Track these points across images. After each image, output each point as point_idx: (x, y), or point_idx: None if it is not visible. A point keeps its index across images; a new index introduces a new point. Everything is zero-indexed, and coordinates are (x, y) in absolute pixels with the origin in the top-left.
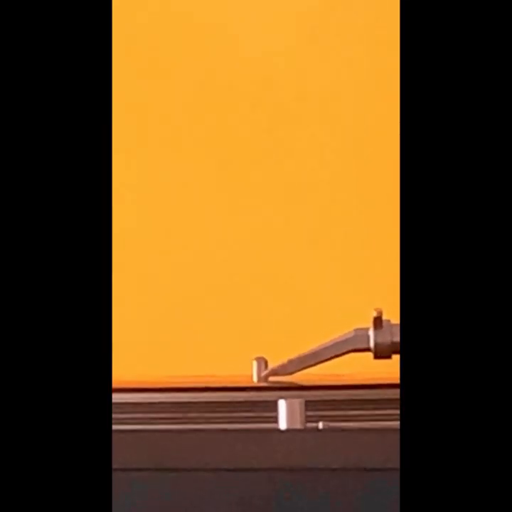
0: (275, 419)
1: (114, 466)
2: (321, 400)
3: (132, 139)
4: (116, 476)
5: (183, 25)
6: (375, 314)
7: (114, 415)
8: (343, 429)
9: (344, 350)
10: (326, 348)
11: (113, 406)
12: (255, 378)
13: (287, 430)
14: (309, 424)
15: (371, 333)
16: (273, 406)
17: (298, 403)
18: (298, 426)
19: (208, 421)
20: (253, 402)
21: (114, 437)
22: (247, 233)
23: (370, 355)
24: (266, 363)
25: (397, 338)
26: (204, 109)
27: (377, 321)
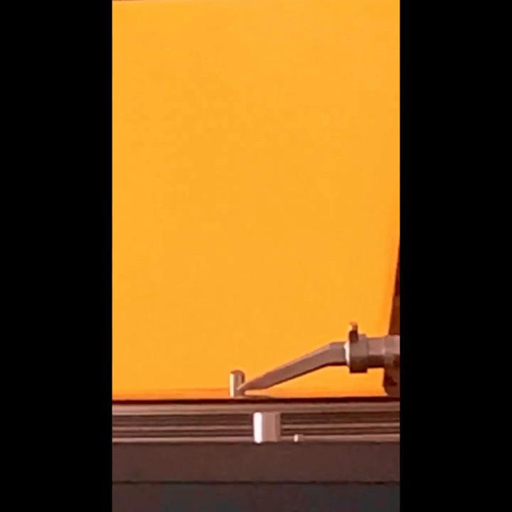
0: (251, 432)
1: None
2: (296, 413)
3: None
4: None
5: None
6: (350, 328)
7: None
8: (318, 442)
9: (320, 364)
10: (302, 362)
11: None
12: (232, 392)
13: (263, 443)
14: (285, 437)
15: (347, 346)
16: (249, 419)
17: (274, 416)
18: (273, 439)
19: (183, 434)
20: (229, 415)
21: None
22: (224, 248)
23: (345, 368)
24: (243, 376)
25: (372, 352)
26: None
27: (353, 335)
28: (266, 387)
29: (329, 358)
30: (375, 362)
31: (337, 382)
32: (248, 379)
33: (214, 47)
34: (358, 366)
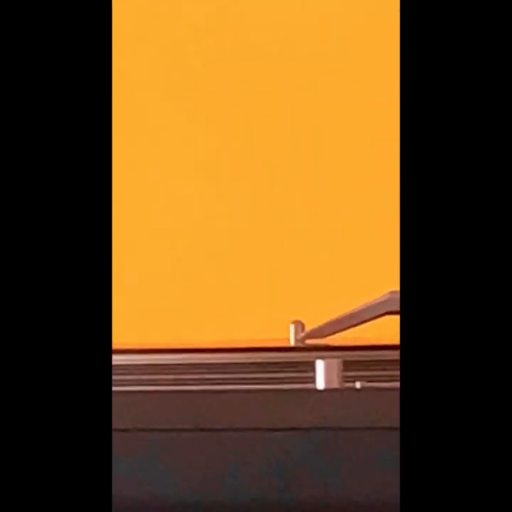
0: (313, 380)
1: (152, 425)
2: (358, 361)
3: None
4: (150, 436)
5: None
6: None
7: (149, 376)
8: (380, 389)
9: (379, 313)
10: (361, 311)
11: (149, 366)
12: (292, 341)
13: (325, 390)
14: (347, 384)
15: None
16: (311, 367)
17: (335, 363)
18: (335, 386)
19: (246, 381)
20: (291, 362)
21: (149, 396)
22: (280, 196)
23: None
24: (303, 326)
25: None
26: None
27: None
28: (326, 335)
29: (388, 307)
30: None
31: (395, 330)
32: (308, 329)
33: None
34: None
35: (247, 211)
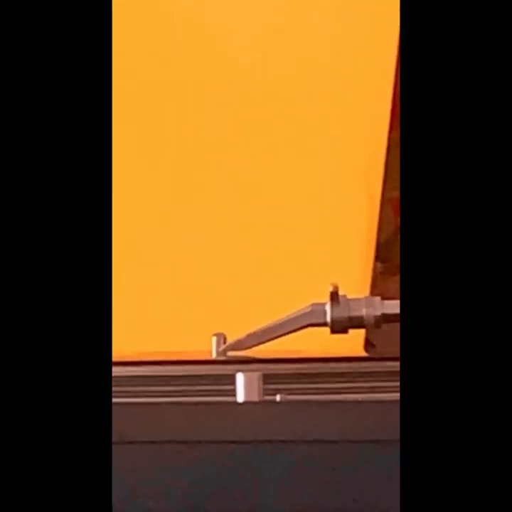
0: (233, 393)
1: None
2: (278, 374)
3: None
4: None
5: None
6: (331, 289)
7: None
8: (300, 402)
9: (301, 325)
10: (283, 323)
11: None
12: (214, 353)
13: (245, 403)
14: (267, 397)
15: (328, 307)
16: (231, 379)
17: (256, 376)
18: (255, 399)
19: (166, 394)
20: (211, 375)
21: None
22: (204, 208)
23: (326, 329)
24: (225, 338)
25: (353, 313)
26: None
27: (334, 296)
28: (247, 348)
29: (310, 319)
30: (355, 323)
31: (318, 343)
32: (230, 341)
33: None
34: (339, 327)
35: (172, 222)
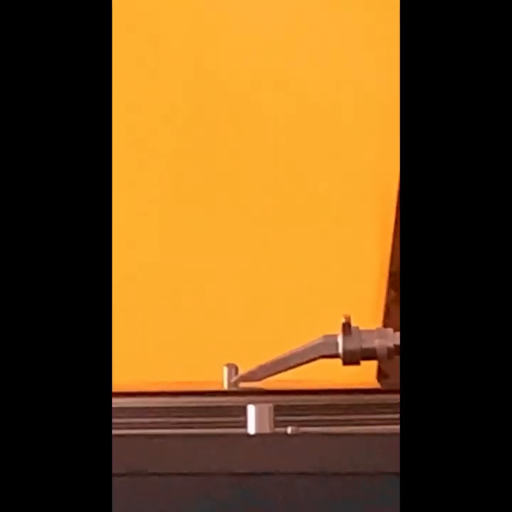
0: (244, 424)
1: None
2: (290, 405)
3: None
4: None
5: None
6: (343, 320)
7: None
8: (311, 434)
9: (313, 356)
10: (295, 355)
11: None
12: (225, 384)
13: (256, 435)
14: (278, 429)
15: (340, 339)
16: (242, 411)
17: (267, 408)
18: (267, 431)
19: (177, 426)
20: (223, 407)
21: None
22: (217, 240)
23: (338, 361)
24: (236, 369)
25: (365, 344)
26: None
27: (346, 327)
28: (259, 379)
29: (322, 351)
30: (368, 354)
31: (330, 374)
32: (241, 372)
33: (212, 44)
34: (351, 358)
35: (185, 251)
